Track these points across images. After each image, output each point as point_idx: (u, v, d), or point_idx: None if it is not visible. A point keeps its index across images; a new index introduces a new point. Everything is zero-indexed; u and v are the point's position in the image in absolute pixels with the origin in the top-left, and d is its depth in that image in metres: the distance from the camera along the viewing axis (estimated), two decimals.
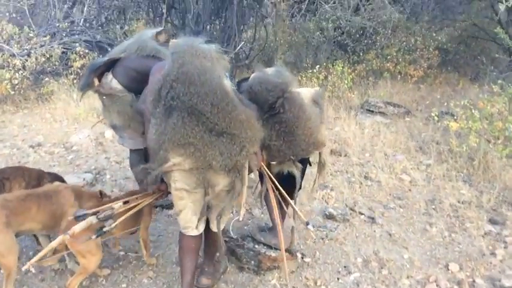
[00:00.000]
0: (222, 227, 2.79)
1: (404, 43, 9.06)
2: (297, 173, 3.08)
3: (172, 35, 4.11)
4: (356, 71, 8.63)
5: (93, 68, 3.49)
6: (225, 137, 2.45)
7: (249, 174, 2.75)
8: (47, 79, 7.52)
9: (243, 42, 7.92)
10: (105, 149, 5.58)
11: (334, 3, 6.86)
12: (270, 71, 3.13)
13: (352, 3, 7.01)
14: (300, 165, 3.09)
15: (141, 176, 3.03)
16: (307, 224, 3.04)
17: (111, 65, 3.48)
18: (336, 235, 3.77)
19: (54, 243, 2.63)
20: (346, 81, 7.65)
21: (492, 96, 5.76)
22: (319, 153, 3.28)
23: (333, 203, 4.30)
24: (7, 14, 8.26)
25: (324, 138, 3.22)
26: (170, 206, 4.11)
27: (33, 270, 2.64)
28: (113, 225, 2.77)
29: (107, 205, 2.87)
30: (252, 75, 3.12)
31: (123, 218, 2.86)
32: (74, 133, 5.98)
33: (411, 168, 4.93)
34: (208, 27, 9.24)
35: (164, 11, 10.36)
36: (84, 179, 4.64)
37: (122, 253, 3.51)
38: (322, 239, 3.74)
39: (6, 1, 8.86)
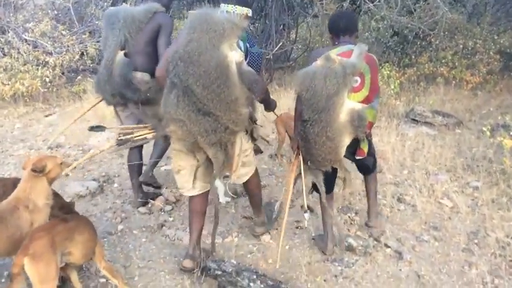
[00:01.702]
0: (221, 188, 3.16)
1: (462, 46, 8.10)
2: (313, 179, 3.10)
3: None
4: (406, 75, 7.80)
5: (125, 78, 3.44)
6: (211, 116, 2.67)
7: (254, 142, 3.22)
8: (79, 77, 7.26)
9: (281, 43, 7.30)
10: (121, 154, 5.16)
11: (379, 1, 6.06)
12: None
13: (399, 2, 6.18)
14: (318, 173, 3.07)
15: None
16: (305, 211, 3.09)
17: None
18: (353, 272, 3.11)
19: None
20: (393, 86, 6.86)
21: None
22: (338, 168, 3.10)
23: (355, 230, 3.62)
24: (50, 11, 8.07)
25: (340, 156, 3.00)
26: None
27: None
28: None
29: (128, 126, 3.30)
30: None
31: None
32: (94, 135, 5.61)
33: (455, 191, 4.15)
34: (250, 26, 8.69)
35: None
36: (87, 188, 4.22)
37: (102, 280, 3.03)
38: (336, 276, 3.09)
39: None
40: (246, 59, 2.90)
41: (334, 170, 3.13)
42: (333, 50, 2.93)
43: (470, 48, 8.19)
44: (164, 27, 3.40)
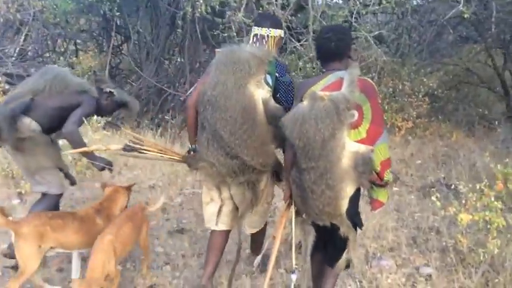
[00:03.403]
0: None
1: (391, 89, 7.45)
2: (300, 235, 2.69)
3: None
4: None
5: (14, 114, 3.11)
6: (239, 160, 2.64)
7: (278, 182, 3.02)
8: None
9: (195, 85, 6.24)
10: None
11: (306, 40, 5.18)
12: None
13: None
14: (310, 229, 2.64)
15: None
16: (292, 272, 2.69)
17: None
18: None
19: None
20: None
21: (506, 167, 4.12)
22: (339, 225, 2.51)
23: None
24: None
25: (342, 209, 2.44)
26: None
27: None
28: None
29: (141, 139, 3.06)
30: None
31: None
32: None
33: (403, 285, 3.18)
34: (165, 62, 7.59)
35: (119, 42, 8.76)
36: None
37: None
38: None
39: None
40: (277, 92, 2.80)
41: (333, 229, 2.51)
42: (320, 81, 2.49)
43: (398, 91, 7.60)
44: (84, 107, 3.20)
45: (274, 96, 2.76)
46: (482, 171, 4.88)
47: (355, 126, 2.38)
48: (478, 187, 3.59)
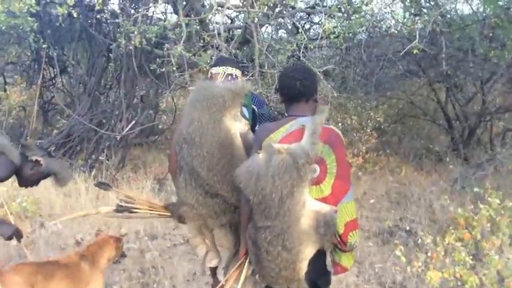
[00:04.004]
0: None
1: (340, 123, 7.21)
2: None
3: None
4: None
5: None
6: (219, 198, 2.48)
7: None
8: None
9: (133, 122, 5.67)
10: None
11: (252, 75, 4.78)
12: None
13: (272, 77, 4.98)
14: None
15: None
16: None
17: None
18: None
19: None
20: None
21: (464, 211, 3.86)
22: None
23: None
24: None
25: (300, 273, 2.19)
26: None
27: None
28: None
29: (132, 196, 2.91)
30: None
31: None
32: None
33: None
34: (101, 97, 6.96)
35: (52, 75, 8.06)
36: None
37: None
38: None
39: None
40: (255, 124, 2.68)
41: None
42: (280, 128, 2.25)
43: (347, 125, 7.40)
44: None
45: (252, 129, 2.63)
46: (439, 213, 4.61)
47: (317, 182, 2.14)
48: (440, 238, 3.26)
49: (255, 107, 2.73)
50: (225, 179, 2.43)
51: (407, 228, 4.48)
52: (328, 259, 2.36)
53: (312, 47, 5.21)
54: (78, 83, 7.17)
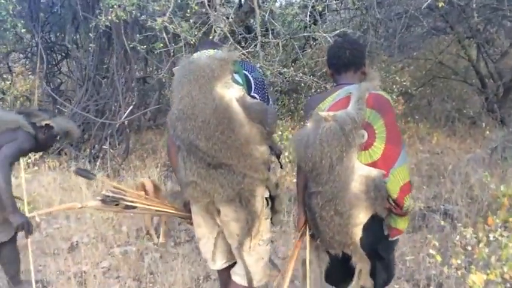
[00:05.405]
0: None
1: None
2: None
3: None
4: None
5: None
6: (224, 168, 2.27)
7: (272, 199, 2.45)
8: None
9: (132, 105, 5.16)
10: None
11: (255, 46, 4.16)
12: None
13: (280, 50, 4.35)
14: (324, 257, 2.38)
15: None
16: None
17: None
18: None
19: None
20: None
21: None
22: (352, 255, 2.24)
23: None
24: None
25: (354, 238, 2.19)
26: None
27: None
28: None
29: (123, 189, 2.73)
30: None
31: None
32: None
33: None
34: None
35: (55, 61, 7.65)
36: None
37: None
38: None
39: None
40: (250, 89, 2.41)
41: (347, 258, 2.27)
42: (328, 97, 2.28)
43: None
44: (19, 142, 2.80)
45: (248, 93, 2.41)
46: (477, 190, 3.97)
47: (365, 147, 2.16)
48: (481, 223, 2.67)
49: (246, 72, 2.47)
50: (227, 145, 2.23)
51: (442, 209, 3.85)
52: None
53: (321, 10, 4.54)
54: (80, 67, 6.70)
